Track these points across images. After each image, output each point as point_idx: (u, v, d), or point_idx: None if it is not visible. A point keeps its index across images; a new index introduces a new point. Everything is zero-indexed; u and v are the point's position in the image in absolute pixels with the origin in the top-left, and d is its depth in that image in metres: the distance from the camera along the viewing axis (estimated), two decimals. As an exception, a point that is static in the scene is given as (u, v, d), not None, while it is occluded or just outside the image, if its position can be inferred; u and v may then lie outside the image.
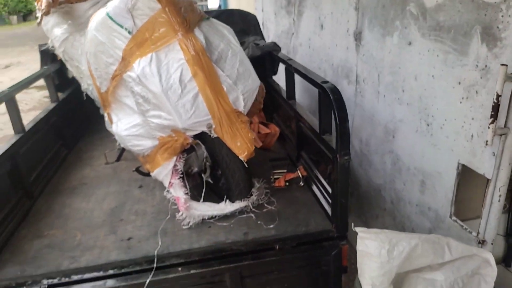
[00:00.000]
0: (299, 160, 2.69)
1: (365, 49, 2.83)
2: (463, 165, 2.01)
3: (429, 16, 2.11)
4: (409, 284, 1.75)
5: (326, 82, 1.97)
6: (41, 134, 2.75)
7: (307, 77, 2.17)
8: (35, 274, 1.85)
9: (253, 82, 1.99)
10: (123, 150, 2.97)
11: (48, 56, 3.20)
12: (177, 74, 1.77)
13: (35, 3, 2.65)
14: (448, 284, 1.69)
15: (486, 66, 1.78)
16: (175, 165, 2.08)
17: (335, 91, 1.88)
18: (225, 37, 1.94)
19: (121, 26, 1.81)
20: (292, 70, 2.52)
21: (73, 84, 3.53)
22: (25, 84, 2.60)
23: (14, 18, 21.57)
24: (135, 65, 1.80)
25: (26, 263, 1.92)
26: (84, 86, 3.04)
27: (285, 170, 2.58)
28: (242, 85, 1.91)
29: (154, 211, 2.30)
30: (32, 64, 11.91)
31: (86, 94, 3.12)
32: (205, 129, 1.88)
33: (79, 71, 2.94)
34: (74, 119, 3.43)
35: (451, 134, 2.07)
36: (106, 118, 2.85)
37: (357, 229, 1.73)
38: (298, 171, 2.48)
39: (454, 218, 2.14)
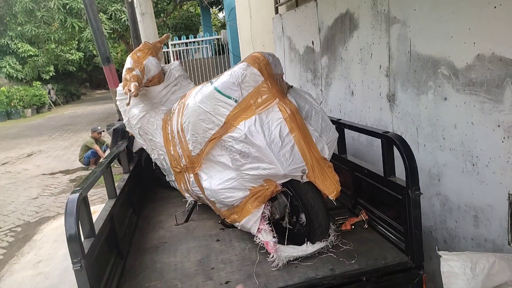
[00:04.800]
0: (355, 206, 2.99)
1: (399, 108, 3.27)
2: (514, 195, 2.32)
3: (461, 75, 2.57)
4: (492, 300, 1.97)
5: (388, 132, 2.37)
6: (123, 200, 3.07)
7: (367, 131, 2.57)
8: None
9: (333, 133, 2.39)
10: (191, 211, 3.27)
11: (119, 133, 3.63)
12: (277, 130, 2.17)
13: (122, 88, 3.14)
14: (528, 296, 1.91)
15: (521, 109, 2.19)
16: (263, 212, 2.39)
17: (399, 137, 2.27)
18: (307, 100, 2.38)
19: (229, 97, 2.25)
20: (344, 127, 2.93)
21: (135, 158, 3.94)
22: (113, 157, 2.98)
23: (29, 111, 22.86)
24: (240, 126, 2.21)
25: (141, 311, 2.13)
26: (155, 156, 3.43)
27: (347, 216, 2.86)
28: (326, 137, 2.30)
29: (239, 259, 2.54)
30: (53, 151, 12.53)
31: (155, 163, 3.50)
32: (300, 174, 2.22)
33: (152, 143, 3.35)
34: (138, 189, 3.76)
35: (497, 169, 2.41)
36: (173, 178, 3.21)
37: (440, 252, 2.00)
38: (361, 215, 2.76)
39: (512, 244, 2.39)
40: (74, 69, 26.83)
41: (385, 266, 2.28)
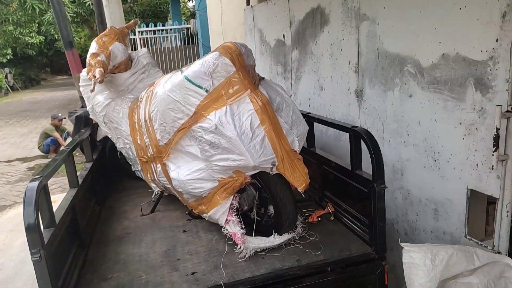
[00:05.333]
0: (322, 199, 3.04)
1: (367, 104, 3.34)
2: (472, 190, 2.43)
3: (426, 73, 2.66)
4: (450, 289, 2.06)
5: (356, 126, 2.41)
6: (85, 189, 2.96)
7: (335, 125, 2.61)
8: (117, 309, 2.00)
9: (303, 126, 2.41)
10: (157, 202, 3.20)
11: (82, 121, 3.49)
12: (248, 121, 2.16)
13: (86, 73, 3.01)
14: (483, 285, 2.02)
15: (482, 108, 2.28)
16: (231, 204, 2.37)
17: (367, 132, 2.32)
18: (279, 93, 2.38)
19: (200, 87, 2.20)
20: (313, 121, 2.95)
21: (99, 146, 3.81)
22: (75, 144, 2.86)
23: (-18, 95, 21.60)
24: (210, 117, 2.17)
25: (103, 302, 2.07)
26: (120, 145, 3.32)
27: (314, 209, 2.90)
28: (296, 129, 2.32)
29: (206, 250, 2.52)
30: (10, 138, 11.93)
31: (120, 153, 3.39)
32: (269, 166, 2.22)
33: (117, 132, 3.24)
34: (102, 179, 3.65)
35: (457, 165, 2.51)
36: (139, 168, 3.15)
37: (402, 244, 2.07)
38: (328, 208, 2.81)
39: (469, 237, 2.51)
40: (34, 53, 25.50)
41: (349, 257, 2.33)
